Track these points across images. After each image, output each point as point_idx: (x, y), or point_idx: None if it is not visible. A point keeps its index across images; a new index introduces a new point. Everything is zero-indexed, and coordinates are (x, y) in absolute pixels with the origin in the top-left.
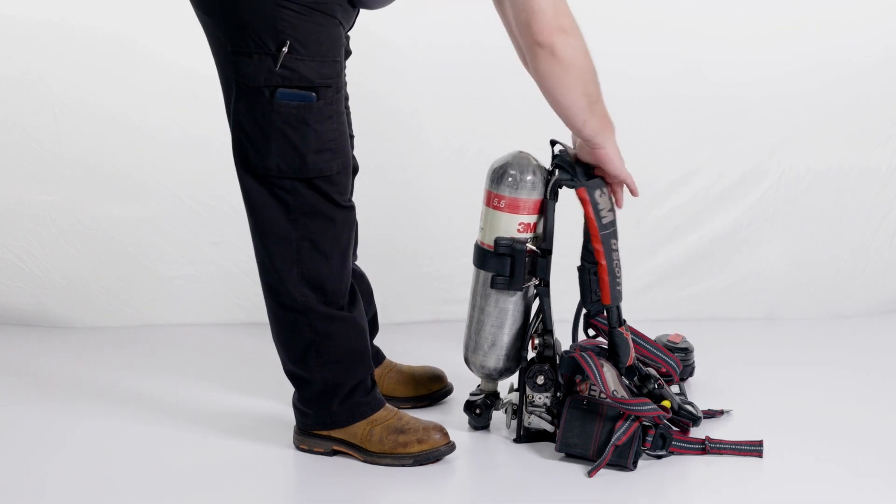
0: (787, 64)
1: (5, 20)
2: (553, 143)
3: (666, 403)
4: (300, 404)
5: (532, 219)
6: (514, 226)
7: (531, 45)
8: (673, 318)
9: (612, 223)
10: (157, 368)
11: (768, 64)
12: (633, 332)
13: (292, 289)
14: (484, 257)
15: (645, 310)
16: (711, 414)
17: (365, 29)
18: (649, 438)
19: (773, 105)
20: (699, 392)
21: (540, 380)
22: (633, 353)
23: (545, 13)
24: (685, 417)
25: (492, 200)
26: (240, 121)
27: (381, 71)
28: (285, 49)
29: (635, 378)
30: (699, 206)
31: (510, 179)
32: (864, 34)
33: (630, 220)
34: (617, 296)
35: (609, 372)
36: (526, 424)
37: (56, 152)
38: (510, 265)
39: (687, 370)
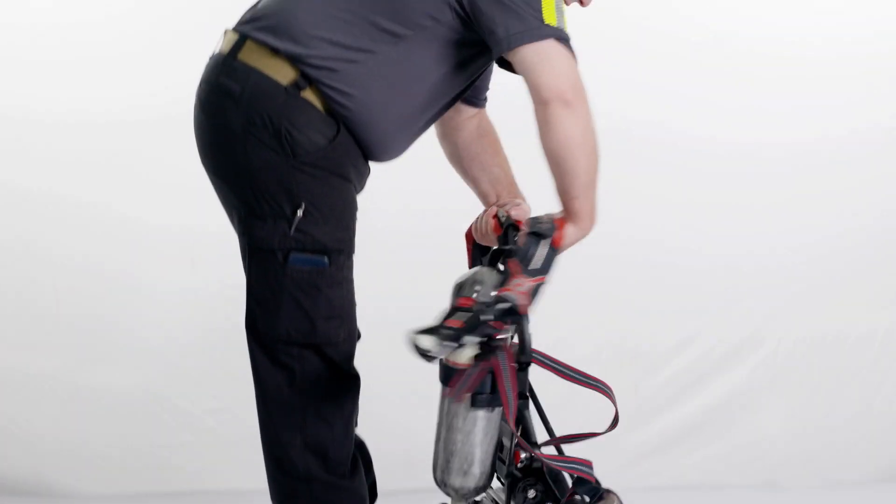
0: (781, 235)
1: (4, 187)
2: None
3: None
4: None
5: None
6: None
7: (548, 101)
8: (672, 485)
9: None
10: None
11: (763, 234)
12: (547, 360)
13: (295, 456)
14: None
15: (644, 477)
16: None
17: None
18: None
19: (769, 273)
20: None
21: (531, 493)
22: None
23: (569, 76)
24: None
25: None
26: (251, 284)
27: (378, 229)
28: (300, 212)
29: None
30: (697, 373)
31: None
32: (856, 206)
33: (629, 385)
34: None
35: None
36: None
37: (54, 317)
38: (491, 381)
39: None
